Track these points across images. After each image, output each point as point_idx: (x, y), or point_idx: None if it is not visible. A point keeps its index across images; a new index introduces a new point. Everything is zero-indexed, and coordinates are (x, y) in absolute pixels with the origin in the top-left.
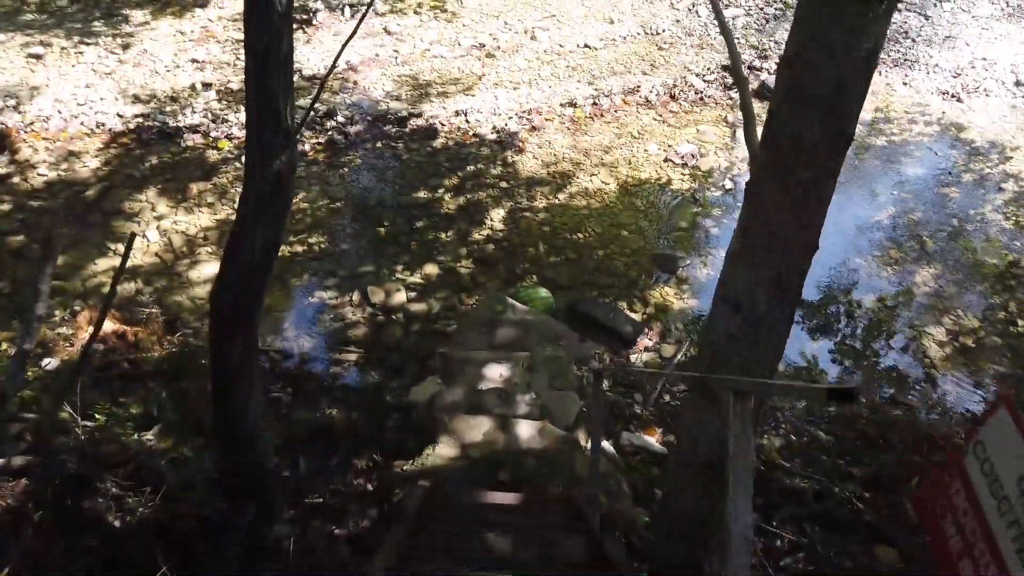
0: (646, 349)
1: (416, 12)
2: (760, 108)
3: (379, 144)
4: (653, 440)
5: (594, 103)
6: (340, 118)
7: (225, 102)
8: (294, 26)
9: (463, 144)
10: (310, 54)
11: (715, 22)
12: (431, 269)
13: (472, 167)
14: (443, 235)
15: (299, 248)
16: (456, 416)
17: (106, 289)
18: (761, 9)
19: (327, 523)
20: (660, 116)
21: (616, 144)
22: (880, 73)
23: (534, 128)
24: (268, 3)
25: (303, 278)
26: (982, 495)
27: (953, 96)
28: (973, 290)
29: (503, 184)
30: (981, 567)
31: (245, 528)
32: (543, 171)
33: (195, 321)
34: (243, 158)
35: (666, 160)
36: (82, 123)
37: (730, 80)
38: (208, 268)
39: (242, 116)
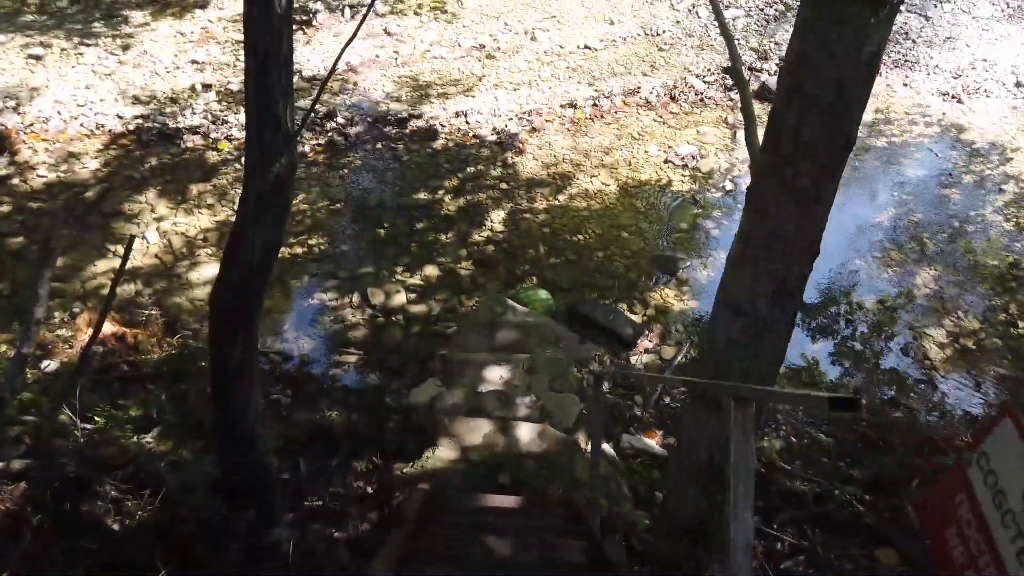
0: (646, 351)
1: (416, 13)
2: (760, 109)
3: (379, 145)
4: (653, 442)
5: (594, 104)
6: (340, 119)
7: (225, 103)
8: (294, 27)
9: (463, 145)
10: (310, 55)
11: (715, 23)
12: (431, 271)
13: (472, 168)
14: (443, 236)
15: (299, 249)
16: (456, 418)
17: (105, 291)
18: (761, 10)
19: (327, 526)
20: (660, 117)
21: (616, 145)
22: (881, 74)
23: (534, 129)
24: (268, 4)
25: (303, 280)
26: (986, 507)
27: (953, 97)
28: (973, 292)
29: (503, 185)
30: None
31: (245, 531)
32: (543, 172)
33: (195, 323)
34: (243, 159)
35: (666, 161)
36: (82, 124)
37: (730, 81)
38: (208, 270)
39: (242, 117)
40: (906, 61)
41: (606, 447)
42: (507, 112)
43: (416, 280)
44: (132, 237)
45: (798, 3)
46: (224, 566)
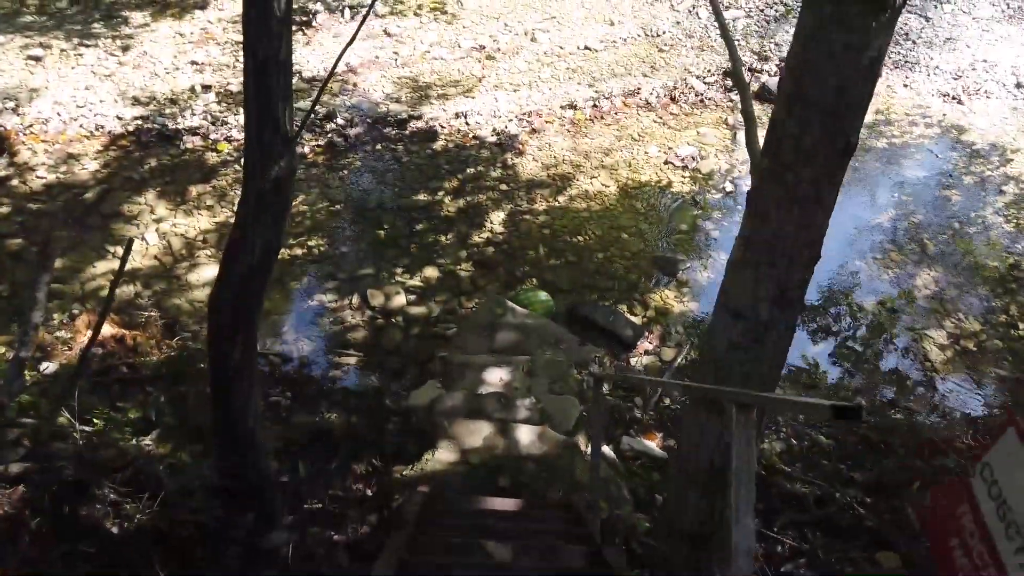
0: (646, 352)
1: (416, 14)
2: (761, 110)
3: (379, 146)
4: (653, 444)
5: (594, 105)
6: (340, 120)
7: (224, 104)
8: (293, 28)
9: (463, 146)
10: (310, 56)
11: (715, 24)
12: (431, 272)
13: (472, 169)
14: (443, 238)
15: (298, 251)
16: (456, 420)
17: (105, 292)
18: (761, 11)
19: (326, 529)
20: (660, 118)
21: (616, 146)
22: (881, 75)
23: (534, 130)
24: (267, 6)
25: (302, 281)
26: (989, 518)
27: (954, 98)
28: (974, 293)
29: (503, 186)
30: None
31: (244, 534)
32: (543, 173)
33: (194, 324)
34: (242, 160)
35: (666, 162)
36: (81, 125)
37: (730, 82)
38: (207, 271)
39: (241, 118)
40: (906, 62)
41: (606, 449)
42: (507, 113)
43: (416, 281)
44: (131, 239)
45: (799, 4)
46: (223, 569)
